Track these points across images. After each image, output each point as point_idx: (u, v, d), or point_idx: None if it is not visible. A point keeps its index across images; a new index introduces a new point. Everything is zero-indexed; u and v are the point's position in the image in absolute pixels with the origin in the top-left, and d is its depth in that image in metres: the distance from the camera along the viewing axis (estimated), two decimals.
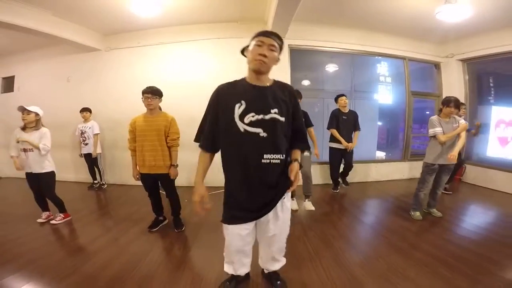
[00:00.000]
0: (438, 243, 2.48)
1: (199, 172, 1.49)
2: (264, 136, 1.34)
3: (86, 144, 4.53)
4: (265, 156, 1.35)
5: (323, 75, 5.71)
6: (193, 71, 4.64)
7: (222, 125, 1.40)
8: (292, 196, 3.41)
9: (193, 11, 4.01)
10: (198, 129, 1.58)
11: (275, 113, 1.35)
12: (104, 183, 4.82)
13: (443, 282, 1.87)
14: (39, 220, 3.08)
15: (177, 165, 2.67)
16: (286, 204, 1.51)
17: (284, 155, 1.41)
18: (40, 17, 3.77)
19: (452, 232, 2.77)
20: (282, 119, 1.37)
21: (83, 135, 4.52)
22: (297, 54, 4.86)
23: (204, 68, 4.61)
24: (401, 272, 2.00)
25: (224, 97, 1.40)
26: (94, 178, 4.80)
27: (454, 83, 5.18)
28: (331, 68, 5.60)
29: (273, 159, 1.36)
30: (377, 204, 3.93)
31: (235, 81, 1.46)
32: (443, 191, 4.12)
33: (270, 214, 1.45)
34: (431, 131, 2.93)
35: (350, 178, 4.44)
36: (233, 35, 4.39)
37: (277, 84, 1.46)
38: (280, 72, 4.45)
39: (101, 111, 4.80)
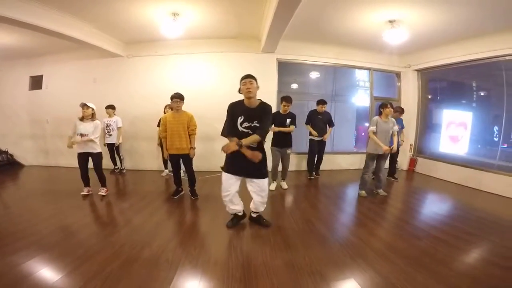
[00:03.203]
0: (380, 213, 3.53)
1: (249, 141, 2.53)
2: (250, 133, 2.52)
3: (110, 135, 5.46)
4: None
5: (309, 81, 6.72)
6: (201, 78, 5.64)
7: (232, 126, 2.57)
8: (282, 179, 4.52)
9: (204, 29, 4.95)
10: (223, 128, 2.76)
11: (255, 122, 2.52)
12: (124, 168, 5.79)
13: (367, 229, 2.99)
14: (83, 193, 3.93)
15: (195, 148, 3.76)
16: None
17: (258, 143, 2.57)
18: (82, 28, 4.58)
19: (393, 207, 3.82)
20: (259, 124, 2.51)
21: (108, 128, 5.45)
22: (286, 63, 5.88)
23: (209, 76, 5.63)
24: (340, 221, 3.12)
25: (234, 110, 2.58)
26: (115, 164, 5.74)
27: (409, 90, 6.30)
28: (315, 75, 6.61)
29: (253, 144, 2.55)
30: (340, 185, 5.02)
31: (239, 102, 2.60)
32: (392, 178, 5.28)
33: (253, 180, 2.66)
34: (369, 128, 3.97)
35: (321, 166, 5.58)
36: (234, 50, 5.45)
37: (260, 105, 2.57)
38: (270, 80, 5.55)
39: (123, 109, 5.70)
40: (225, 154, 2.59)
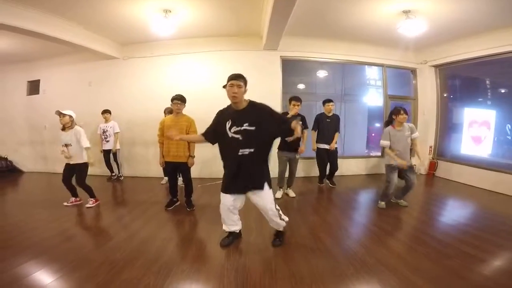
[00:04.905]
0: (402, 226, 3.12)
1: (191, 137, 2.89)
2: (240, 139, 2.14)
3: (108, 141, 5.21)
4: (240, 150, 2.15)
5: (316, 80, 6.31)
6: (199, 79, 5.32)
7: (220, 133, 2.25)
8: (288, 186, 4.12)
9: (200, 27, 4.65)
10: (206, 129, 2.42)
11: (246, 125, 2.13)
12: (121, 175, 5.51)
13: (385, 248, 2.56)
14: (65, 204, 3.65)
15: (194, 156, 3.40)
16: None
17: (253, 149, 2.14)
18: (75, 30, 4.41)
19: (415, 219, 3.34)
20: (252, 128, 2.13)
21: (104, 133, 5.20)
22: (291, 61, 5.51)
23: (208, 76, 5.30)
24: (351, 235, 2.69)
25: (221, 117, 2.30)
26: (111, 171, 5.47)
27: (427, 87, 5.78)
28: (323, 74, 6.20)
29: (245, 151, 2.14)
30: (354, 193, 4.52)
31: (228, 107, 2.29)
32: None
33: (250, 193, 2.27)
34: (381, 142, 3.46)
35: None
36: (233, 48, 5.12)
37: (250, 104, 2.21)
38: (274, 79, 5.18)
39: (119, 113, 5.45)
40: (223, 178, 2.36)
